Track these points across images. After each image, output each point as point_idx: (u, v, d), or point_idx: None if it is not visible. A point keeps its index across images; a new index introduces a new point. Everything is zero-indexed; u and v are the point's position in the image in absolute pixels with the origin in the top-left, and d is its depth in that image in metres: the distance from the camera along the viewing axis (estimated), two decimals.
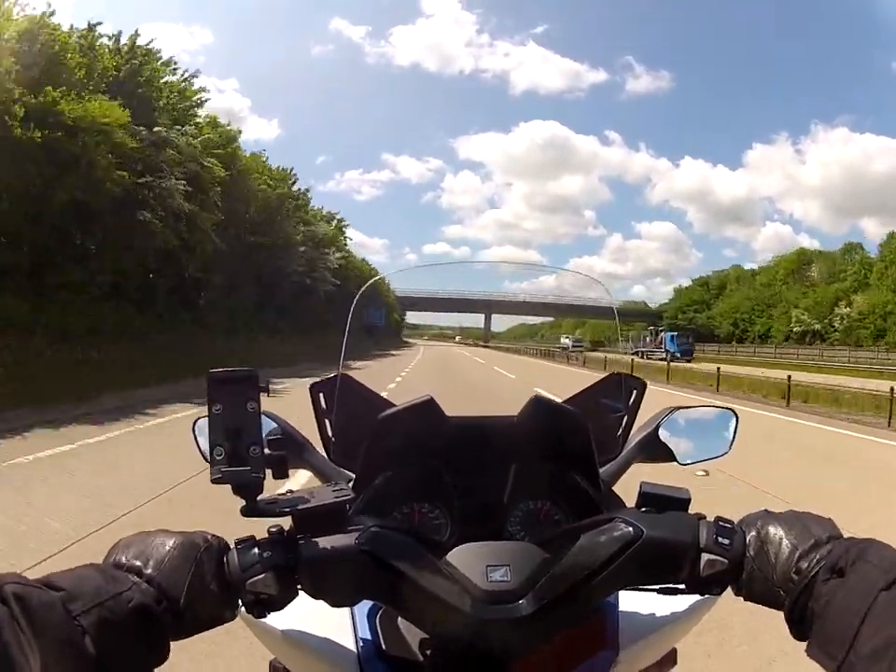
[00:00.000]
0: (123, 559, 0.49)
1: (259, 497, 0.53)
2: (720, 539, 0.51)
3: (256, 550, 0.50)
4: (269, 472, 0.54)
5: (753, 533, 0.51)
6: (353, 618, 0.64)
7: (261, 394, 0.54)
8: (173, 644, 0.48)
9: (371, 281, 0.96)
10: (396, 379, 6.79)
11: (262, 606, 0.50)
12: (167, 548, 0.49)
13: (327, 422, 0.82)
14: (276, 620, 0.60)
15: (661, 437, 0.86)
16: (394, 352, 17.56)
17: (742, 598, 0.52)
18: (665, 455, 0.86)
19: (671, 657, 0.72)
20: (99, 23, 16.01)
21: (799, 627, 0.47)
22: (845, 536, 0.50)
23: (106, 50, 16.22)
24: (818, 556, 0.47)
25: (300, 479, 0.98)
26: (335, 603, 0.53)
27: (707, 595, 0.56)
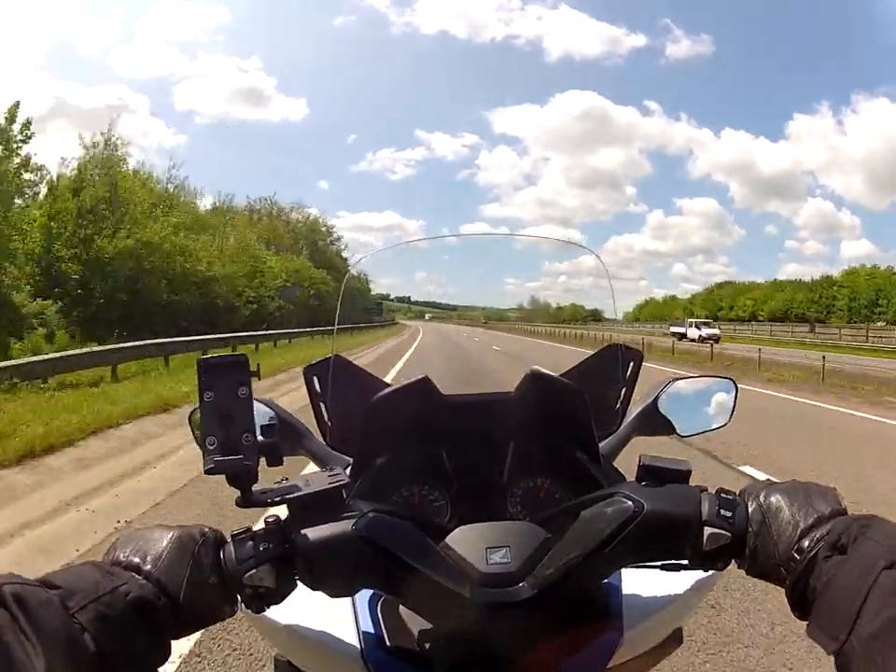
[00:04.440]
0: (121, 556, 0.48)
1: (254, 487, 0.52)
2: (722, 511, 0.50)
3: (252, 542, 0.49)
4: (263, 461, 0.53)
5: (755, 506, 0.50)
6: (354, 609, 0.63)
7: (252, 378, 0.53)
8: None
9: (357, 260, 0.93)
10: None
11: (261, 599, 0.49)
12: (164, 543, 0.48)
13: (322, 405, 0.81)
14: (278, 614, 0.59)
15: (660, 409, 0.86)
16: None
17: (745, 572, 0.51)
18: (664, 427, 0.85)
19: (676, 636, 0.72)
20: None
21: (800, 606, 0.47)
22: (847, 509, 0.49)
23: None
24: (819, 534, 0.46)
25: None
26: (334, 594, 0.52)
27: (710, 572, 0.55)
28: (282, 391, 8.06)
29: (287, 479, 0.54)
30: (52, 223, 20.05)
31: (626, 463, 0.78)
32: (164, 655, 0.46)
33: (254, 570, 0.48)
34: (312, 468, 0.76)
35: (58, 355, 10.36)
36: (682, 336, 35.92)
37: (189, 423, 0.83)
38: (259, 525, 0.51)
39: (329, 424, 0.80)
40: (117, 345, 12.03)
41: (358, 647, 0.61)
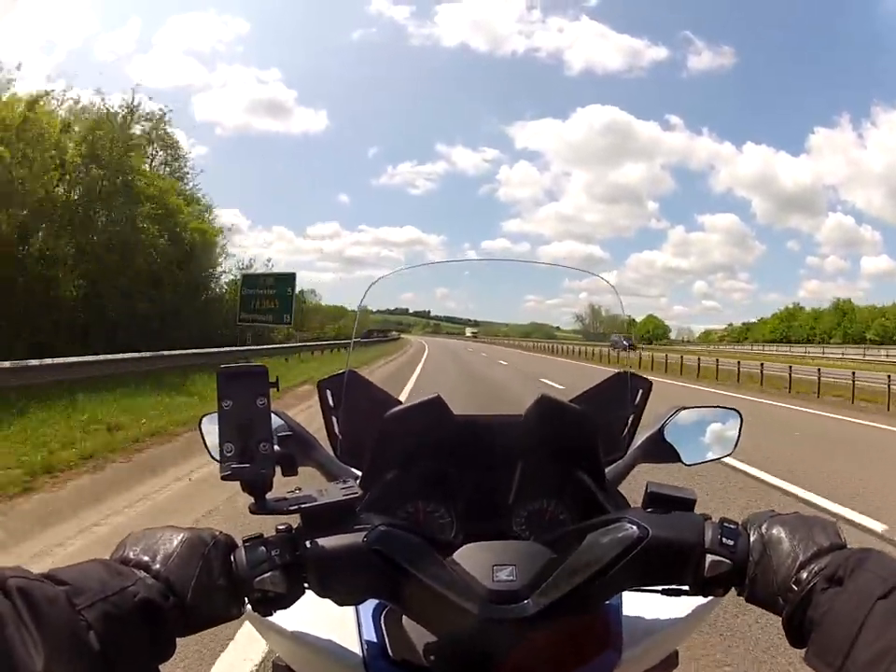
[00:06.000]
0: (130, 554, 0.49)
1: (268, 495, 0.53)
2: (724, 539, 0.52)
3: (263, 548, 0.51)
4: (278, 470, 0.54)
5: (757, 536, 0.52)
6: (358, 618, 0.64)
7: (271, 389, 0.54)
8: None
9: (374, 281, 0.94)
10: None
11: (269, 604, 0.50)
12: (175, 543, 0.49)
13: (334, 419, 0.82)
14: (282, 619, 0.60)
15: (666, 437, 0.86)
16: None
17: (745, 600, 0.52)
18: (670, 455, 0.86)
19: (672, 659, 0.73)
20: None
21: (796, 635, 0.48)
22: (848, 543, 0.50)
23: None
24: (816, 567, 0.48)
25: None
26: (342, 602, 0.54)
27: (709, 598, 0.56)
28: None
29: (300, 489, 0.55)
30: None
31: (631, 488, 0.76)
32: (168, 653, 0.47)
33: (265, 575, 0.49)
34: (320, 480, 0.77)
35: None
36: None
37: (199, 429, 0.85)
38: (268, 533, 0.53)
39: (340, 437, 0.81)
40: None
41: (361, 656, 0.62)
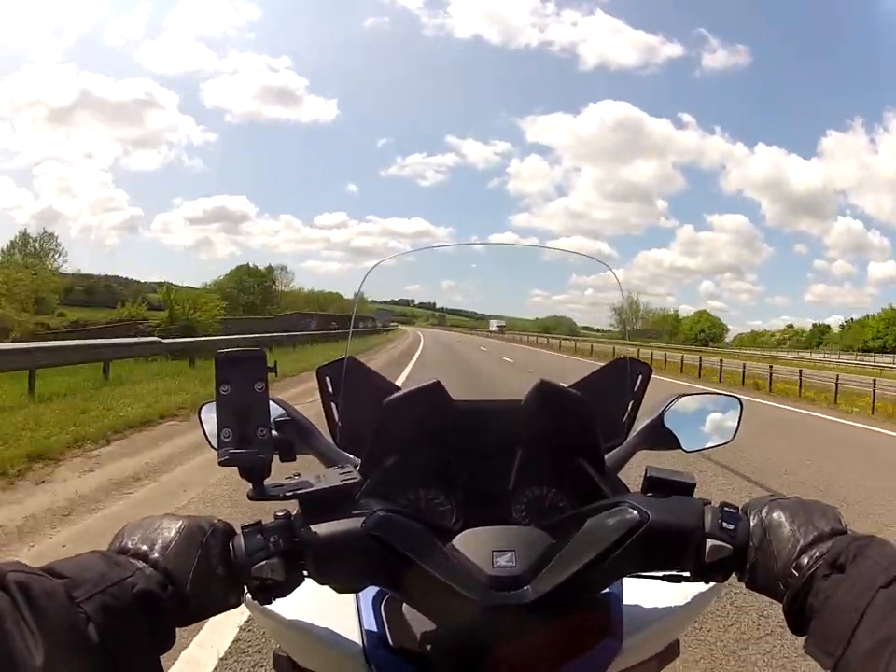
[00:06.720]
0: (128, 544, 0.49)
1: (265, 481, 0.53)
2: (724, 524, 0.51)
3: (261, 535, 0.50)
4: (276, 456, 0.54)
5: (757, 521, 0.51)
6: (358, 607, 0.64)
7: (269, 374, 0.54)
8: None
9: (375, 264, 0.94)
10: None
11: (268, 591, 0.50)
12: (172, 532, 0.49)
13: (333, 406, 0.82)
14: (281, 608, 0.60)
15: (666, 424, 0.86)
16: None
17: (745, 586, 0.52)
18: (670, 441, 0.86)
19: (674, 648, 0.72)
20: None
21: (797, 621, 0.48)
22: (848, 529, 0.50)
23: None
24: (818, 552, 0.47)
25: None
26: (341, 589, 0.53)
27: (711, 585, 0.56)
28: None
29: (298, 475, 0.55)
30: None
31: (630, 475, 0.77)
32: (169, 643, 0.47)
33: (263, 562, 0.49)
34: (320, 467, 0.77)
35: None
36: None
37: (199, 418, 0.84)
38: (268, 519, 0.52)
39: (340, 424, 0.81)
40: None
41: (361, 645, 0.62)
